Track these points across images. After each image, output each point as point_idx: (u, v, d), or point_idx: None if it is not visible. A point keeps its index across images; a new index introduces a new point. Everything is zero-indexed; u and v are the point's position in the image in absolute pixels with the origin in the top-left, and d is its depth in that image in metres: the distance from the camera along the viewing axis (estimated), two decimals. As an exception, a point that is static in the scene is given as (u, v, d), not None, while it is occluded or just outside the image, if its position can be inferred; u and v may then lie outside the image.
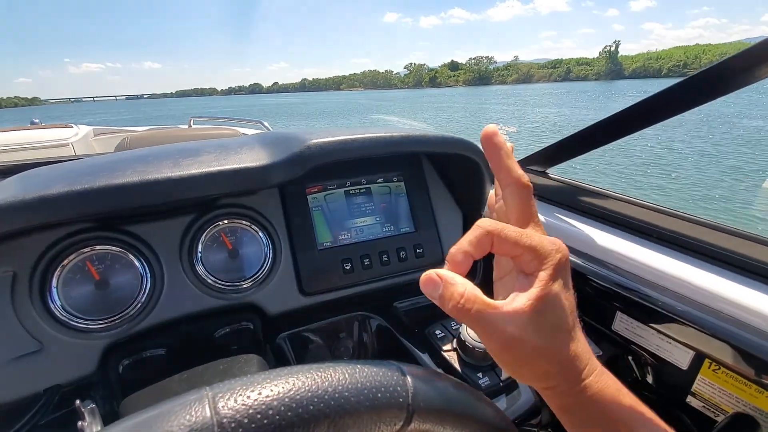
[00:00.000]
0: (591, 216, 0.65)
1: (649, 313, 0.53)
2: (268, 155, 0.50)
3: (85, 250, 0.47)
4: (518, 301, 0.24)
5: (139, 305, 0.48)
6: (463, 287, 0.24)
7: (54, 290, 0.45)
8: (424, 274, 0.25)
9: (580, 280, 0.60)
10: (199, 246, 0.53)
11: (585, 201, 0.66)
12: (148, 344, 0.48)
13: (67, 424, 0.42)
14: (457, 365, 0.50)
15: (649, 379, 0.61)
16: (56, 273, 0.45)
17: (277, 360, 0.53)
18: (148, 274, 0.49)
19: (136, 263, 0.49)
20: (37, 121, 2.67)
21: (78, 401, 0.37)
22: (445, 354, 0.52)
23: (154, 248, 0.50)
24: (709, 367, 0.50)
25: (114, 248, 0.48)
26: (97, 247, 0.48)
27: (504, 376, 0.50)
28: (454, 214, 0.71)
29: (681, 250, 0.55)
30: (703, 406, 0.53)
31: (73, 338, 0.45)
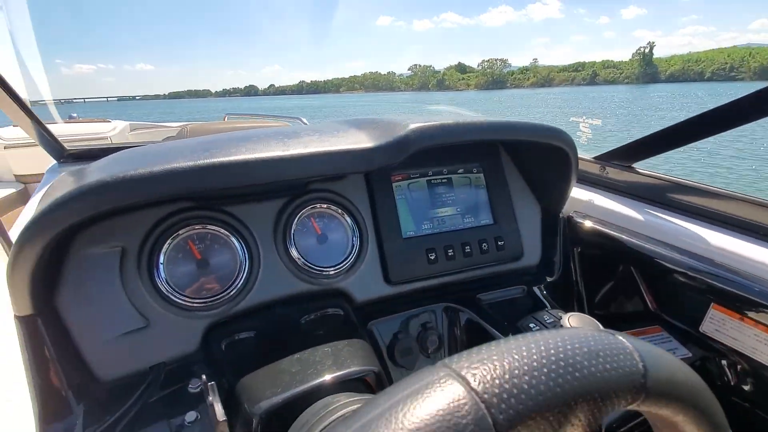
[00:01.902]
0: (680, 210, 0.62)
1: (747, 309, 0.50)
2: (370, 138, 0.49)
3: (191, 228, 0.46)
4: None
5: (240, 285, 0.48)
6: None
7: (161, 267, 0.45)
8: None
9: (668, 274, 0.57)
10: (292, 229, 0.52)
11: (674, 196, 0.64)
12: (244, 325, 0.47)
13: (172, 403, 0.41)
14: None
15: (745, 386, 0.58)
16: (163, 249, 0.45)
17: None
18: (247, 256, 0.49)
19: (236, 244, 0.49)
20: (75, 115, 2.73)
21: (204, 377, 0.37)
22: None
23: (252, 230, 0.50)
24: None
25: (215, 228, 0.48)
26: (198, 227, 0.47)
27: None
28: (532, 208, 0.70)
29: None
30: None
31: (177, 316, 0.45)
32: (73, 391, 0.39)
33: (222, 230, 0.48)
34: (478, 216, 0.66)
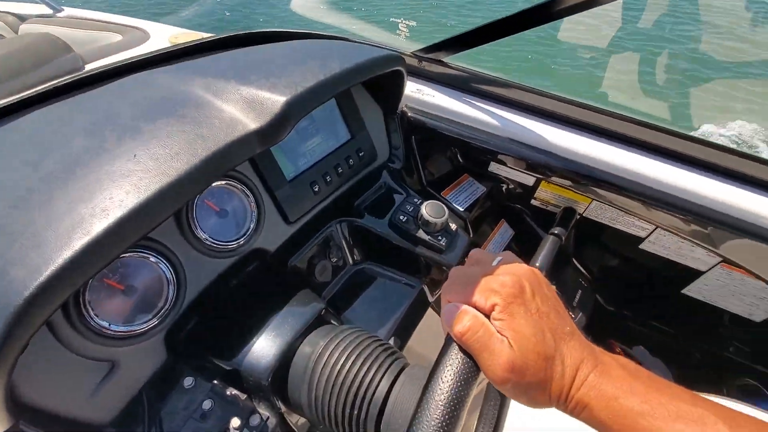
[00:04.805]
0: (487, 97, 0.84)
1: (530, 165, 0.81)
2: (246, 121, 0.49)
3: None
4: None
5: (171, 295, 0.50)
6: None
7: (92, 317, 0.44)
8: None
9: (475, 147, 0.83)
10: (196, 223, 0.53)
11: (482, 86, 0.84)
12: (197, 319, 0.53)
13: (177, 404, 0.48)
14: (425, 237, 0.71)
15: (501, 194, 0.97)
16: (85, 301, 0.43)
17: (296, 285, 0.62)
18: (168, 266, 0.50)
19: (152, 260, 0.48)
20: None
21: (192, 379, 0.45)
22: (413, 233, 0.71)
23: (161, 241, 0.49)
24: (545, 183, 0.85)
25: (124, 256, 0.46)
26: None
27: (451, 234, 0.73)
28: (376, 113, 0.81)
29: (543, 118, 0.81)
30: (542, 205, 0.90)
31: (133, 345, 0.47)
32: None
33: (133, 255, 0.47)
34: (338, 136, 0.74)
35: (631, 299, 1.03)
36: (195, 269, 0.53)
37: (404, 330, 0.69)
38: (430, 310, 0.77)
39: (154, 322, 0.49)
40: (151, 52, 0.67)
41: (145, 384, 0.48)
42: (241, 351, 0.48)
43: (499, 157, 0.83)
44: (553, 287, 0.35)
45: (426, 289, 0.74)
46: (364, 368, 0.44)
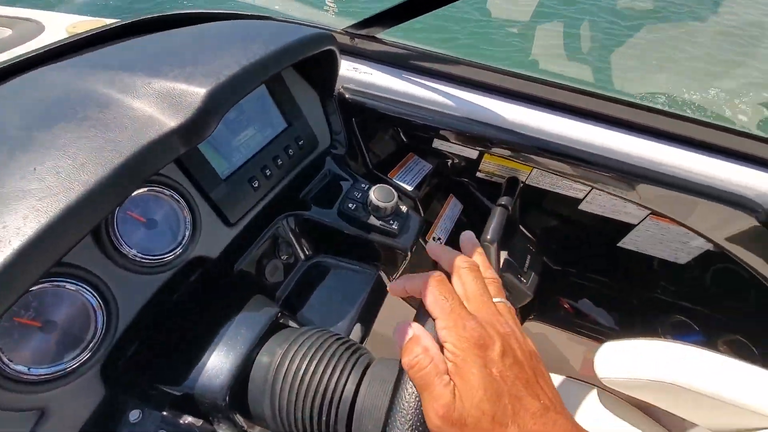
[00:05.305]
0: (424, 73, 0.82)
1: (471, 139, 0.82)
2: (162, 119, 0.44)
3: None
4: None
5: (101, 327, 0.45)
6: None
7: (9, 367, 0.38)
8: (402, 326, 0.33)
9: (417, 125, 0.82)
10: (121, 241, 0.47)
11: (417, 62, 0.82)
12: (138, 342, 0.48)
13: None
14: (377, 222, 0.69)
15: (447, 169, 0.98)
16: (-6, 347, 0.37)
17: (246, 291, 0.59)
18: (94, 295, 0.44)
19: (71, 287, 0.42)
20: None
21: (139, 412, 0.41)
22: (364, 220, 0.69)
23: (84, 267, 0.43)
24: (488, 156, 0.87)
25: (42, 288, 0.40)
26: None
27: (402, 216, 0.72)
28: (311, 97, 0.77)
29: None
30: (487, 177, 0.92)
31: (65, 385, 0.42)
32: None
33: (46, 285, 0.41)
34: (274, 126, 0.69)
35: (574, 257, 1.09)
36: (126, 290, 0.48)
37: (366, 318, 0.67)
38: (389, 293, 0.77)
39: (85, 356, 0.43)
40: (46, 46, 0.58)
41: (84, 426, 0.43)
42: (191, 372, 0.44)
43: (442, 132, 0.83)
44: (542, 366, 0.31)
45: (383, 274, 0.73)
46: (329, 370, 0.42)
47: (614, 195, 0.83)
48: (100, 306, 0.45)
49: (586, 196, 0.89)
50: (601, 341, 0.73)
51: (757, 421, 0.61)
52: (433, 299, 0.32)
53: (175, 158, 0.45)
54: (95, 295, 0.44)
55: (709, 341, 0.96)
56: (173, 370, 0.45)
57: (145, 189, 0.51)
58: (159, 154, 0.42)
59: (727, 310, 0.96)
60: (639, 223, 0.89)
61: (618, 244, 0.97)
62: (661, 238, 0.91)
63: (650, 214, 0.86)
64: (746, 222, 0.74)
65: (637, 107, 0.78)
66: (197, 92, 0.45)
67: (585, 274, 1.10)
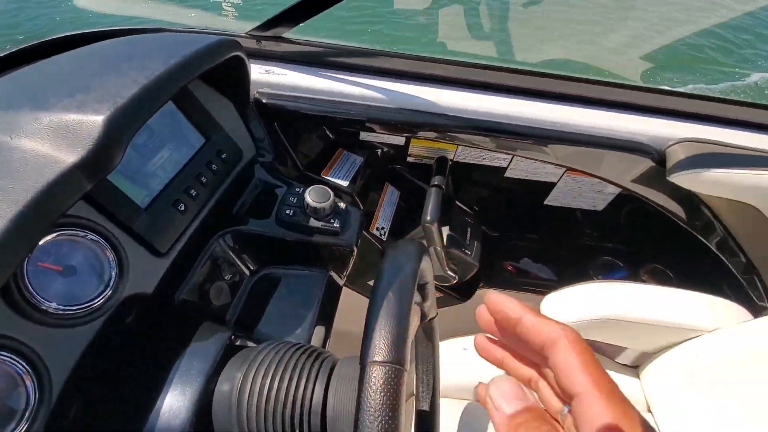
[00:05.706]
0: (336, 67, 0.81)
1: (396, 126, 0.83)
2: (59, 156, 0.39)
3: None
4: None
5: (32, 392, 0.40)
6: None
7: None
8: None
9: (344, 121, 0.82)
10: (31, 291, 0.42)
11: (332, 58, 0.81)
12: (81, 399, 0.43)
13: None
14: (318, 224, 0.68)
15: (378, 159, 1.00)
16: None
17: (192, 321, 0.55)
18: (14, 359, 0.39)
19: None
20: None
21: None
22: (304, 224, 0.68)
23: (9, 335, 0.38)
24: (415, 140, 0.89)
25: None
26: None
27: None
28: (226, 107, 0.73)
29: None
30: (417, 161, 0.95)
31: None
32: None
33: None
34: (190, 143, 0.65)
35: (509, 222, 1.16)
36: (54, 349, 0.43)
37: (325, 320, 0.67)
38: (343, 290, 0.77)
39: (22, 428, 0.38)
40: None
41: None
42: (146, 418, 0.41)
43: (367, 124, 0.83)
44: None
45: (333, 274, 0.73)
46: (293, 382, 0.41)
47: (533, 159, 0.90)
48: (28, 372, 0.40)
49: (509, 164, 0.95)
50: (545, 293, 0.80)
51: (681, 335, 0.70)
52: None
53: (81, 197, 0.41)
54: (19, 361, 0.39)
55: (633, 274, 1.08)
56: (127, 422, 0.42)
57: (54, 234, 0.46)
58: (61, 196, 0.38)
59: (642, 244, 1.09)
60: (558, 181, 0.97)
61: (544, 203, 1.05)
62: (579, 190, 1.00)
63: (567, 170, 0.94)
64: (644, 164, 0.84)
65: (540, 75, 0.84)
66: (94, 120, 0.41)
67: (521, 235, 1.18)
